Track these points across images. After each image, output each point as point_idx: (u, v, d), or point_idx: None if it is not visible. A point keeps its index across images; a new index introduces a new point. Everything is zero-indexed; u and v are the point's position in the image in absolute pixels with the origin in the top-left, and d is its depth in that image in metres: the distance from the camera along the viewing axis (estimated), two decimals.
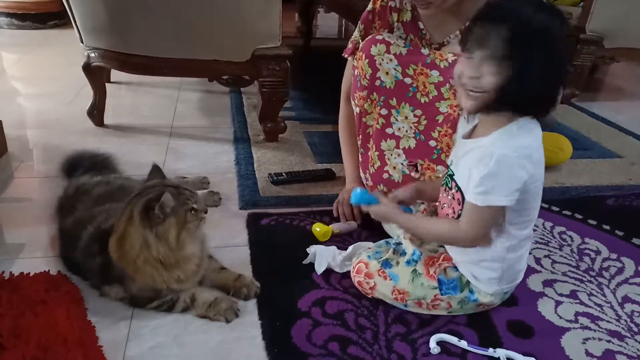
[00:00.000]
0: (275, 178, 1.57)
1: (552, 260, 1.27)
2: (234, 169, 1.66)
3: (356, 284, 1.09)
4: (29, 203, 1.42)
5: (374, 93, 1.28)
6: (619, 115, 2.42)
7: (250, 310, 1.05)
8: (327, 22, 4.15)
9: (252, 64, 1.72)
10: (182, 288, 1.03)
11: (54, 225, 1.21)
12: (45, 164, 1.63)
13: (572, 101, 2.52)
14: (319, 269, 1.16)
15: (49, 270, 1.11)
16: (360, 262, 1.08)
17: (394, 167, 1.30)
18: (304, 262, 1.19)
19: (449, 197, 1.02)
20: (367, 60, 1.26)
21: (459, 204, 0.98)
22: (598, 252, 1.32)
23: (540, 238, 1.36)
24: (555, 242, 1.35)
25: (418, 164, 1.28)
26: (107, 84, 2.01)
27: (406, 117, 1.28)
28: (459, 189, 0.98)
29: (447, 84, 1.23)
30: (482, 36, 0.85)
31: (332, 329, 1.01)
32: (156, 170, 1.10)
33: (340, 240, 1.29)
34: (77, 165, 1.38)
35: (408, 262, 1.04)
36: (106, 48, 1.75)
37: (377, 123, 1.30)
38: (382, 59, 1.25)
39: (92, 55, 1.80)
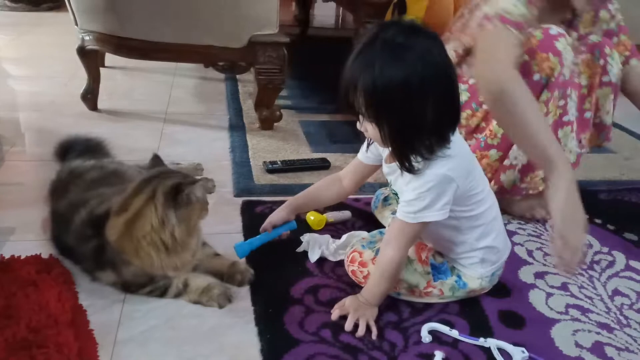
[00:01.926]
0: (270, 166, 1.56)
1: (543, 253, 1.28)
2: (229, 157, 1.65)
3: (350, 273, 1.09)
4: (20, 186, 1.41)
5: (556, 90, 1.24)
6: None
7: (243, 296, 1.05)
8: (324, 12, 4.13)
9: (249, 51, 1.71)
10: (177, 275, 1.03)
11: (46, 209, 1.20)
12: (37, 147, 1.61)
13: None
14: (313, 257, 1.16)
15: (40, 254, 1.10)
16: (355, 251, 1.08)
17: (570, 151, 1.31)
18: (297, 250, 1.19)
19: None
20: (557, 58, 1.20)
21: None
22: (589, 246, 1.32)
23: (533, 231, 1.37)
24: (548, 235, 1.36)
25: (582, 139, 1.36)
26: (101, 68, 1.99)
27: (574, 101, 1.30)
28: None
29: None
30: (350, 97, 0.88)
31: (325, 316, 1.01)
32: (156, 159, 1.10)
33: (334, 229, 1.29)
34: (71, 149, 1.37)
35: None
36: (101, 31, 1.73)
37: (555, 115, 1.27)
38: (567, 53, 1.22)
39: (87, 38, 1.78)
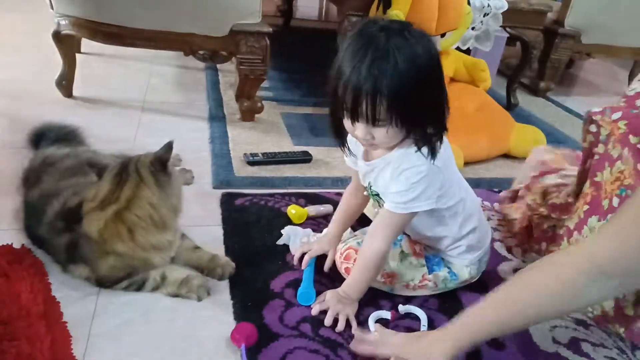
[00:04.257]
0: (251, 158, 1.54)
1: (522, 250, 1.29)
2: (208, 148, 1.62)
3: (343, 271, 1.07)
4: None
5: None
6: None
7: (222, 289, 1.04)
8: (307, 3, 4.10)
9: (230, 40, 1.68)
10: (160, 260, 1.02)
11: (18, 198, 1.16)
12: (10, 134, 1.56)
13: (548, 95, 2.56)
14: (294, 249, 1.15)
15: (12, 244, 1.07)
16: (350, 248, 1.07)
17: None
18: (277, 243, 1.18)
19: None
20: None
21: None
22: None
23: None
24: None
25: None
26: (77, 54, 1.93)
27: None
28: None
29: None
30: (365, 107, 0.82)
31: (305, 310, 1.00)
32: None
33: (315, 223, 1.28)
34: (44, 136, 1.33)
35: (394, 244, 1.04)
36: (78, 16, 1.68)
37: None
38: None
39: (63, 22, 1.72)
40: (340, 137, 0.98)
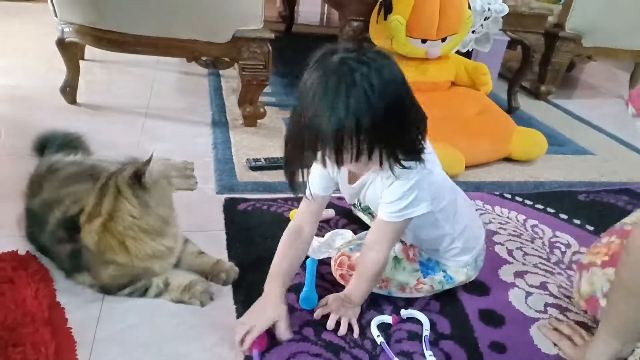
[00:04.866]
0: (253, 163, 1.55)
1: (523, 252, 1.29)
2: (211, 153, 1.63)
3: (338, 277, 1.08)
4: None
5: None
6: (593, 113, 2.48)
7: (225, 294, 1.04)
8: (309, 8, 4.12)
9: (233, 46, 1.69)
10: (161, 268, 1.02)
11: (23, 204, 1.17)
12: (14, 140, 1.57)
13: (549, 98, 2.56)
14: None
15: (17, 250, 1.08)
16: (343, 255, 1.08)
17: None
18: None
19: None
20: None
21: None
22: (568, 246, 1.35)
23: (513, 230, 1.39)
24: (527, 234, 1.38)
25: None
26: (81, 61, 1.95)
27: None
28: None
29: None
30: (345, 145, 0.80)
31: (307, 314, 1.01)
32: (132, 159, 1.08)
33: (317, 227, 1.29)
34: (49, 143, 1.34)
35: None
36: (81, 23, 1.69)
37: None
38: None
39: (67, 30, 1.74)
40: (297, 185, 0.94)
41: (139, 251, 0.98)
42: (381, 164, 0.84)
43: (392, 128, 0.81)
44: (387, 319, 1.01)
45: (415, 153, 0.87)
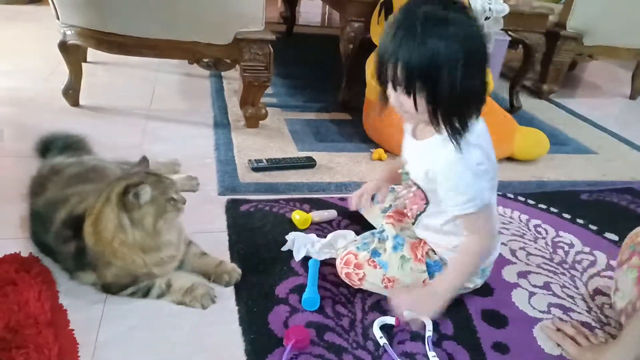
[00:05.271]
0: (255, 164, 1.55)
1: (527, 252, 1.29)
2: (213, 154, 1.63)
3: (343, 276, 1.08)
4: None
5: None
6: (596, 112, 2.47)
7: (227, 295, 1.04)
8: (310, 9, 4.12)
9: (234, 47, 1.70)
10: (162, 272, 1.01)
11: (25, 206, 1.18)
12: (17, 142, 1.58)
13: (551, 97, 2.56)
14: (297, 255, 1.15)
15: (19, 252, 1.08)
16: (349, 253, 1.07)
17: None
18: (282, 249, 1.18)
19: (410, 194, 1.06)
20: None
21: (422, 200, 1.03)
22: (571, 246, 1.34)
23: (516, 230, 1.38)
24: (531, 234, 1.37)
25: None
26: (83, 64, 1.95)
27: None
28: (418, 187, 1.02)
29: None
30: (387, 73, 0.89)
31: (309, 315, 1.01)
32: (143, 161, 1.08)
33: (320, 228, 1.29)
34: (51, 145, 1.34)
35: (395, 248, 1.05)
36: (83, 26, 1.70)
37: None
38: None
39: (69, 32, 1.74)
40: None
41: (131, 262, 0.98)
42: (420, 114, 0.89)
43: (433, 78, 0.84)
44: (390, 320, 1.01)
45: (459, 123, 0.89)
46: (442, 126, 0.89)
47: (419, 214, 1.06)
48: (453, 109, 0.88)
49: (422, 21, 0.83)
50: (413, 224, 1.09)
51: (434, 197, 1.00)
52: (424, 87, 0.86)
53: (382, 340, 0.96)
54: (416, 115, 0.92)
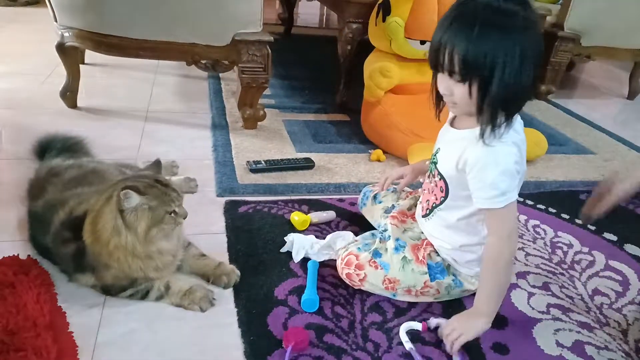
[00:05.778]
0: (253, 166, 1.55)
1: (525, 253, 1.29)
2: (212, 156, 1.63)
3: (344, 277, 1.07)
4: None
5: None
6: (594, 112, 2.48)
7: (226, 297, 1.04)
8: (308, 11, 4.12)
9: (232, 49, 1.70)
10: (159, 276, 1.01)
11: (23, 209, 1.18)
12: (14, 145, 1.57)
13: (549, 98, 2.56)
14: (296, 257, 1.15)
15: (18, 254, 1.08)
16: (350, 254, 1.07)
17: None
18: (281, 251, 1.18)
19: (432, 184, 1.06)
20: None
21: (442, 191, 1.02)
22: (570, 246, 1.34)
23: None
24: (529, 235, 1.37)
25: None
26: (81, 65, 1.95)
27: None
28: (442, 177, 1.01)
29: None
30: (442, 58, 0.88)
31: (309, 317, 1.01)
32: (156, 165, 1.08)
33: (319, 230, 1.29)
34: (49, 147, 1.34)
35: (396, 249, 1.05)
36: (81, 28, 1.70)
37: None
38: None
39: (66, 34, 1.74)
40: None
41: (127, 266, 0.97)
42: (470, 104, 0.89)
43: (489, 69, 0.84)
44: (417, 325, 1.00)
45: (504, 116, 0.89)
46: (487, 118, 0.89)
47: (435, 206, 1.06)
48: (502, 103, 0.88)
49: (482, 11, 0.84)
50: (426, 215, 1.09)
51: (455, 190, 1.00)
52: (478, 78, 0.86)
53: (408, 345, 0.95)
54: (463, 105, 0.92)
